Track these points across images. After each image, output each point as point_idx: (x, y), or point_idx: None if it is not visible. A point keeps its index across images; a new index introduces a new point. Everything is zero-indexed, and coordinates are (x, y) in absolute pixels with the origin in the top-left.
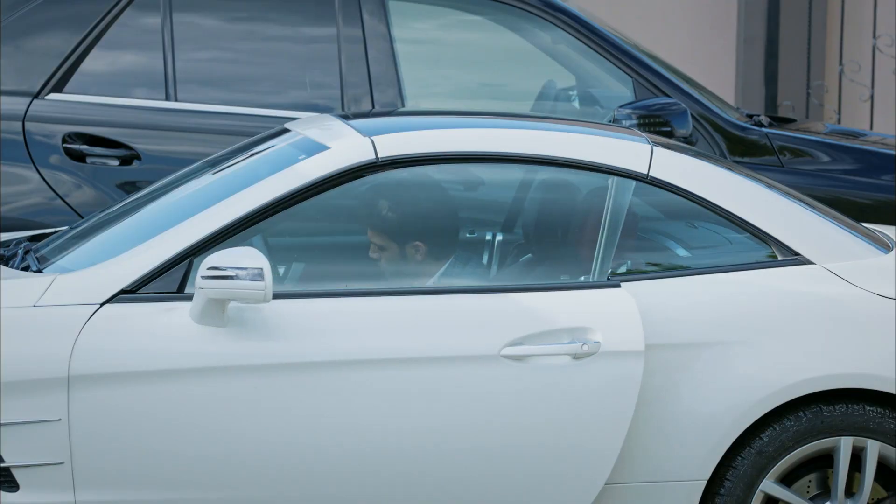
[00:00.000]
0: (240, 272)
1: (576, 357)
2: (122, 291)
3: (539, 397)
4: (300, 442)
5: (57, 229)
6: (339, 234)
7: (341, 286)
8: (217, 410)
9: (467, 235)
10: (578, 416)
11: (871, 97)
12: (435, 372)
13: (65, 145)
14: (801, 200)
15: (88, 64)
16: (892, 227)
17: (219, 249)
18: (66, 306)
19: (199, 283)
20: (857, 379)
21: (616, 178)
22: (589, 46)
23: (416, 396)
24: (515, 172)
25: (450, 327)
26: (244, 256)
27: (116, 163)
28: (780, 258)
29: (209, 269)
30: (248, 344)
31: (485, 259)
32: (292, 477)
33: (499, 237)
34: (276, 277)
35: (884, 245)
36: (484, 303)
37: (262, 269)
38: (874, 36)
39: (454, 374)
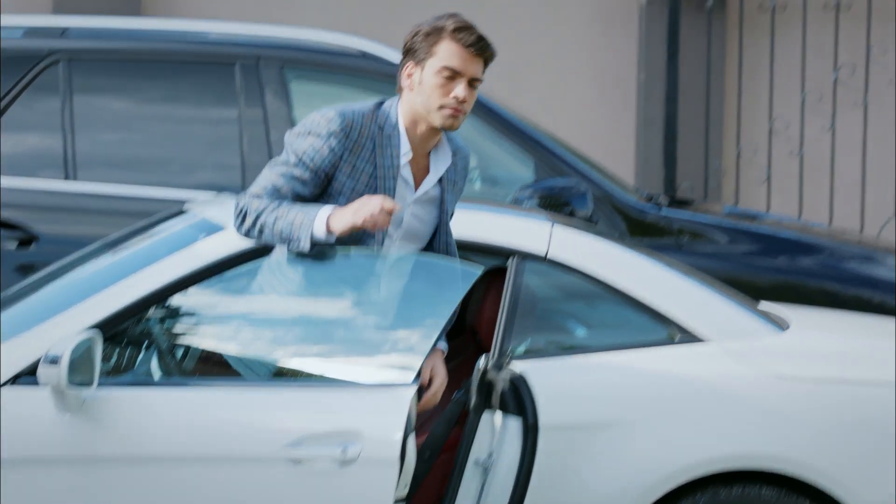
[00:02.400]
0: (44, 356)
1: (341, 464)
2: (19, 374)
3: (312, 500)
4: None
5: None
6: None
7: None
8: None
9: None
10: None
11: (769, 179)
12: (225, 472)
13: None
14: (698, 279)
15: None
16: (786, 305)
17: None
18: None
19: None
20: (753, 460)
21: (515, 258)
22: (490, 127)
23: (207, 497)
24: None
25: (241, 425)
26: (63, 341)
27: (14, 245)
28: (677, 338)
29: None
30: (73, 435)
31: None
32: None
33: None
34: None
35: (780, 324)
36: (279, 398)
37: (59, 355)
38: (770, 118)
39: (241, 474)
